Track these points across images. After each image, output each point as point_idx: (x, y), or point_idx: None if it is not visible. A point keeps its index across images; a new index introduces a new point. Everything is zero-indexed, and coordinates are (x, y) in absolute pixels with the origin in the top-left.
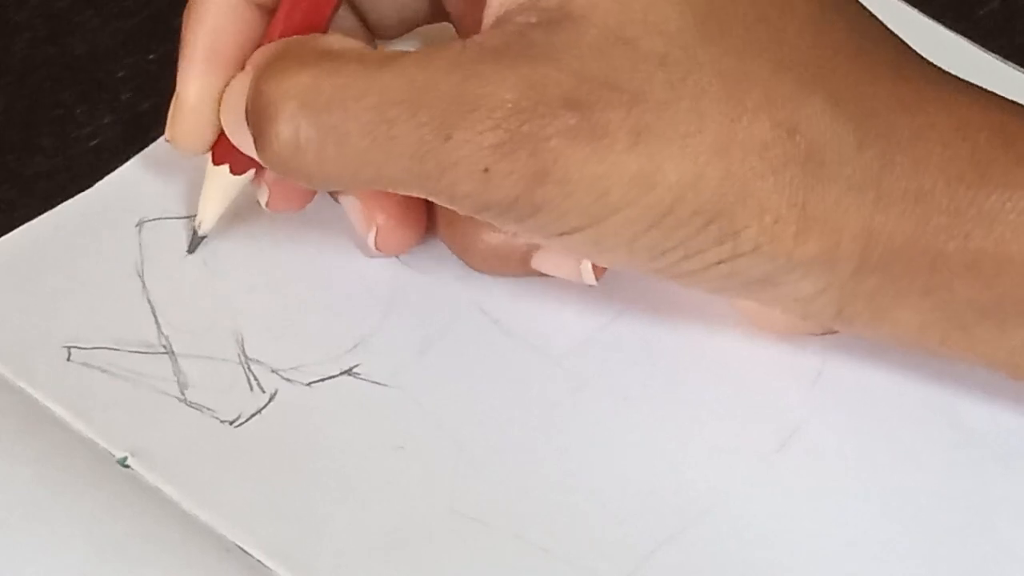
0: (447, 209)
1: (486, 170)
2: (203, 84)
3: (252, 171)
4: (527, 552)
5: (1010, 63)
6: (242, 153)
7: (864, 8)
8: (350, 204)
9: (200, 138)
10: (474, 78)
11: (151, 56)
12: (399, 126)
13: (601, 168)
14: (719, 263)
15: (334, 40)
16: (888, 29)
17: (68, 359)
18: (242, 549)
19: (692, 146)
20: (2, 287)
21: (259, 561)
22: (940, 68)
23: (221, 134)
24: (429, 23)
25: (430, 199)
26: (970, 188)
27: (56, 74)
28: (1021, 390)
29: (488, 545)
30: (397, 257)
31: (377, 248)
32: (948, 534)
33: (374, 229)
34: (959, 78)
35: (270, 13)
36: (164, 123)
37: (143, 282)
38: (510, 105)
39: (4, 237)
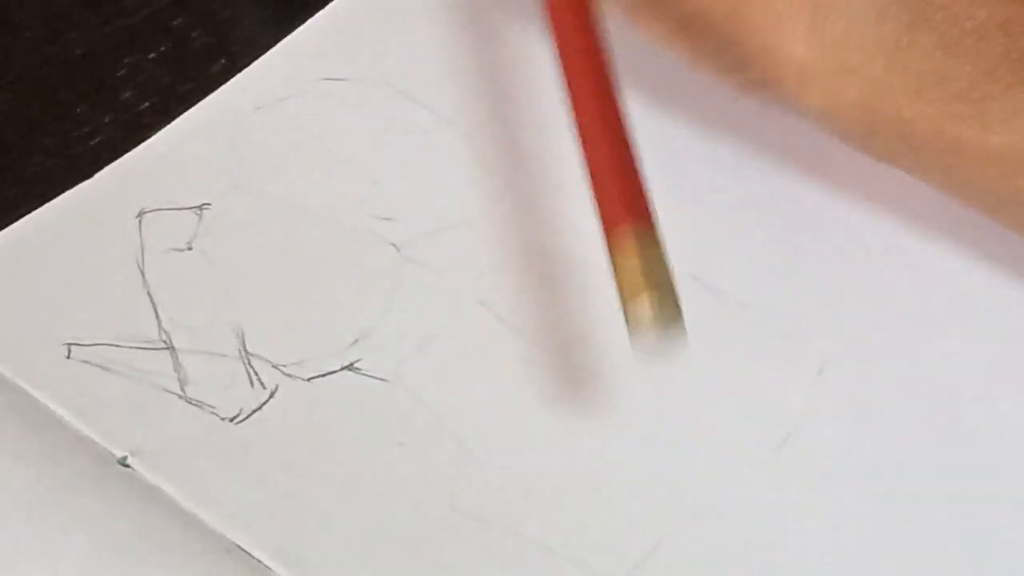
0: None
1: None
2: None
3: None
4: (527, 549)
5: None
6: None
7: None
8: None
9: None
10: None
11: (151, 56)
12: None
13: None
14: (745, 83)
15: None
16: None
17: (68, 356)
18: (242, 549)
19: None
20: (1, 282)
21: (259, 561)
22: None
23: None
24: None
25: None
26: (997, 83)
27: (56, 74)
28: (1022, 389)
29: (488, 542)
30: (398, 251)
31: None
32: (948, 533)
33: None
34: None
35: None
36: (164, 123)
37: (143, 275)
38: None
39: (2, 231)
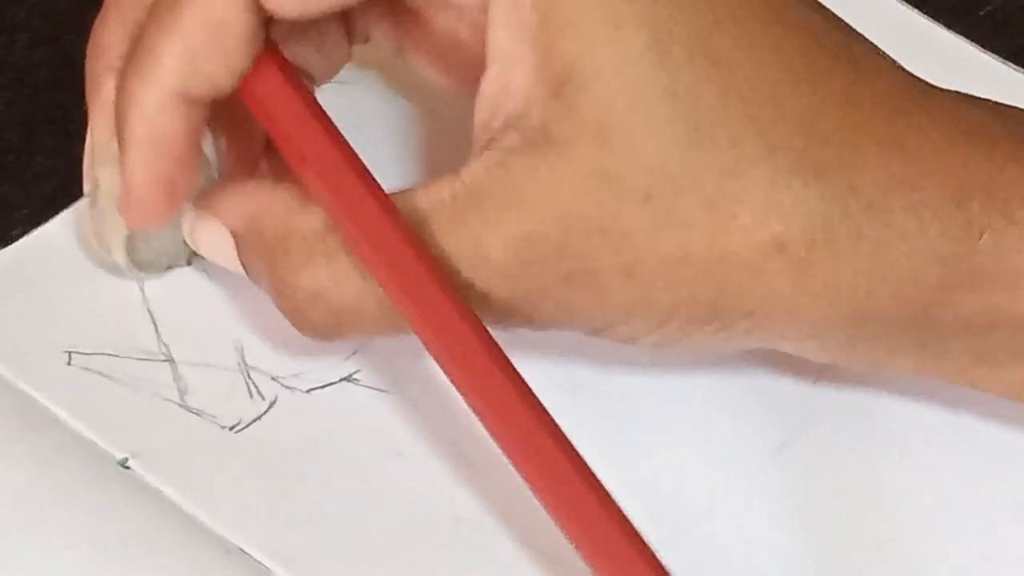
0: None
1: (495, 323)
2: (150, 170)
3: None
4: (527, 557)
5: (1010, 64)
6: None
7: (855, 43)
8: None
9: (162, 216)
10: (465, 239)
11: None
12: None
13: (597, 303)
14: (717, 342)
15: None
16: (881, 58)
17: (68, 363)
18: (243, 551)
19: (681, 272)
20: (5, 292)
21: (259, 564)
22: (934, 95)
23: None
24: None
25: None
26: (963, 261)
27: (56, 74)
28: None
29: (488, 550)
30: None
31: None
32: (948, 534)
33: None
34: (953, 104)
35: (208, 107)
36: None
37: (143, 289)
38: (502, 266)
39: (5, 249)
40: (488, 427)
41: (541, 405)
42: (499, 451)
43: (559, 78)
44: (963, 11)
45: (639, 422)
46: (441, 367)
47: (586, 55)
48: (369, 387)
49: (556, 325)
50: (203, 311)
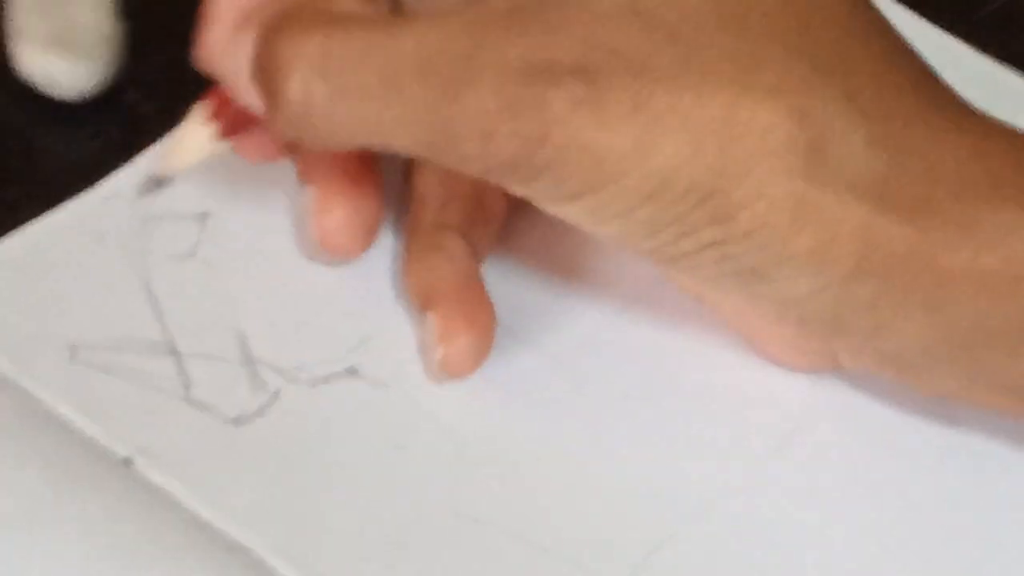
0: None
1: (490, 132)
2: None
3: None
4: (528, 552)
5: (1009, 66)
6: (237, 115)
7: (891, 27)
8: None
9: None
10: (484, 42)
11: (156, 58)
12: (408, 88)
13: (600, 135)
14: (712, 244)
15: (344, 3)
16: (915, 51)
17: (72, 359)
18: (245, 548)
19: (691, 121)
20: (6, 286)
21: (262, 560)
22: (959, 97)
23: (215, 89)
24: None
25: (438, 161)
26: (982, 204)
27: None
28: None
29: (489, 545)
30: (399, 255)
31: (320, 241)
32: (948, 534)
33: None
34: (974, 109)
35: None
36: (168, 125)
37: (147, 282)
38: (517, 69)
39: (7, 237)
40: None
41: None
42: (502, 444)
43: None
44: (963, 12)
45: (639, 420)
46: None
47: None
48: (371, 380)
49: (547, 175)
50: (207, 303)
